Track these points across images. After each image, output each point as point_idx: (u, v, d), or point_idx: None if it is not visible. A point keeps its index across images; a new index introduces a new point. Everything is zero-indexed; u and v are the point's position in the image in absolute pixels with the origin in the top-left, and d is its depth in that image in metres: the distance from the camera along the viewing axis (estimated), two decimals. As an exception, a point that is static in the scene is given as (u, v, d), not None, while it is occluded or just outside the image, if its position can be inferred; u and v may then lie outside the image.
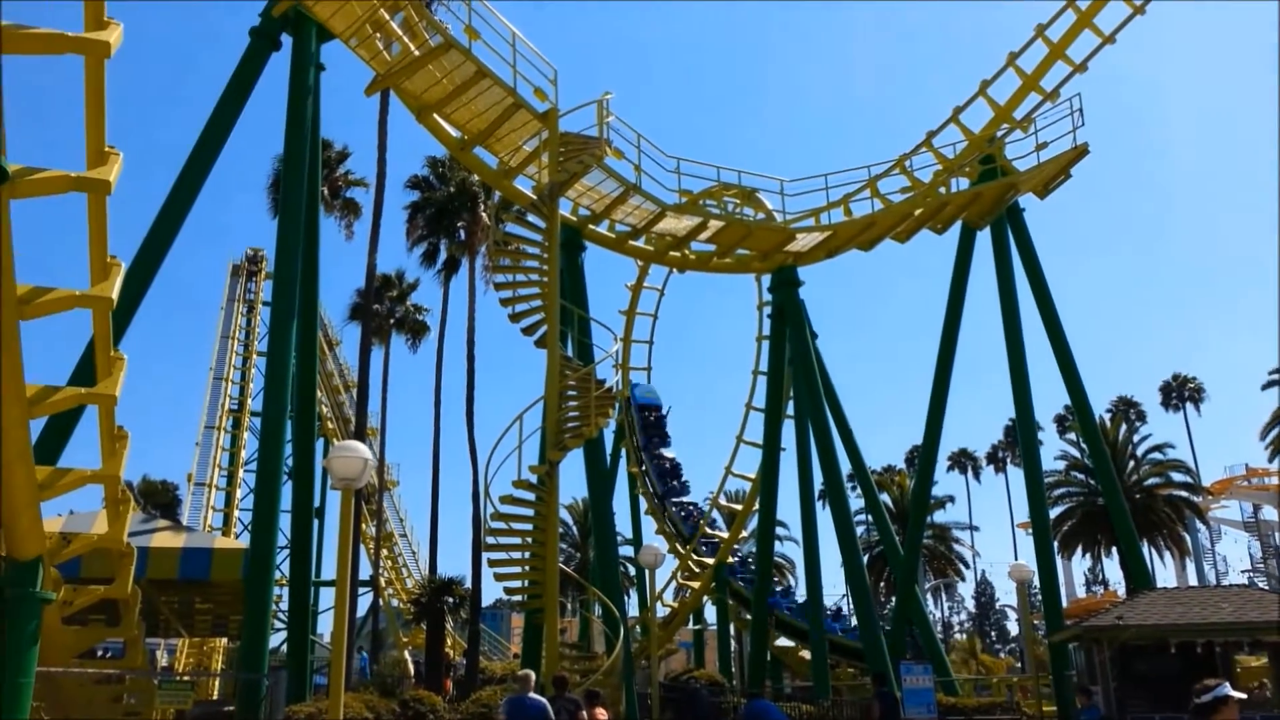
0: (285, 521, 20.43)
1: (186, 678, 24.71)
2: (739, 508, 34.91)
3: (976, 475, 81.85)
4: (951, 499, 65.61)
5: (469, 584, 27.34)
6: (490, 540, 17.80)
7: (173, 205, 16.27)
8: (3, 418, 7.99)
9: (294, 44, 17.85)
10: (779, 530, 47.49)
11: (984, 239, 25.43)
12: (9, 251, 7.11)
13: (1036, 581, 23.77)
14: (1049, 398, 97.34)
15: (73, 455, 14.01)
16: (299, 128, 17.62)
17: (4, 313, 7.21)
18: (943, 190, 24.41)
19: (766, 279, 28.03)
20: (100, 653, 21.54)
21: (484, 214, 31.80)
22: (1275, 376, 59.29)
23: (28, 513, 9.17)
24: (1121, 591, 46.11)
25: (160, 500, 47.36)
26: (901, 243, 24.34)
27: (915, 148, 25.75)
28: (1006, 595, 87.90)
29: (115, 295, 8.12)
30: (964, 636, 60.11)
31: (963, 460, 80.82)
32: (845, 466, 25.78)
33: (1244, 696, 4.79)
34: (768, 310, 28.76)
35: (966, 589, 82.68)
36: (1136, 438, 52.13)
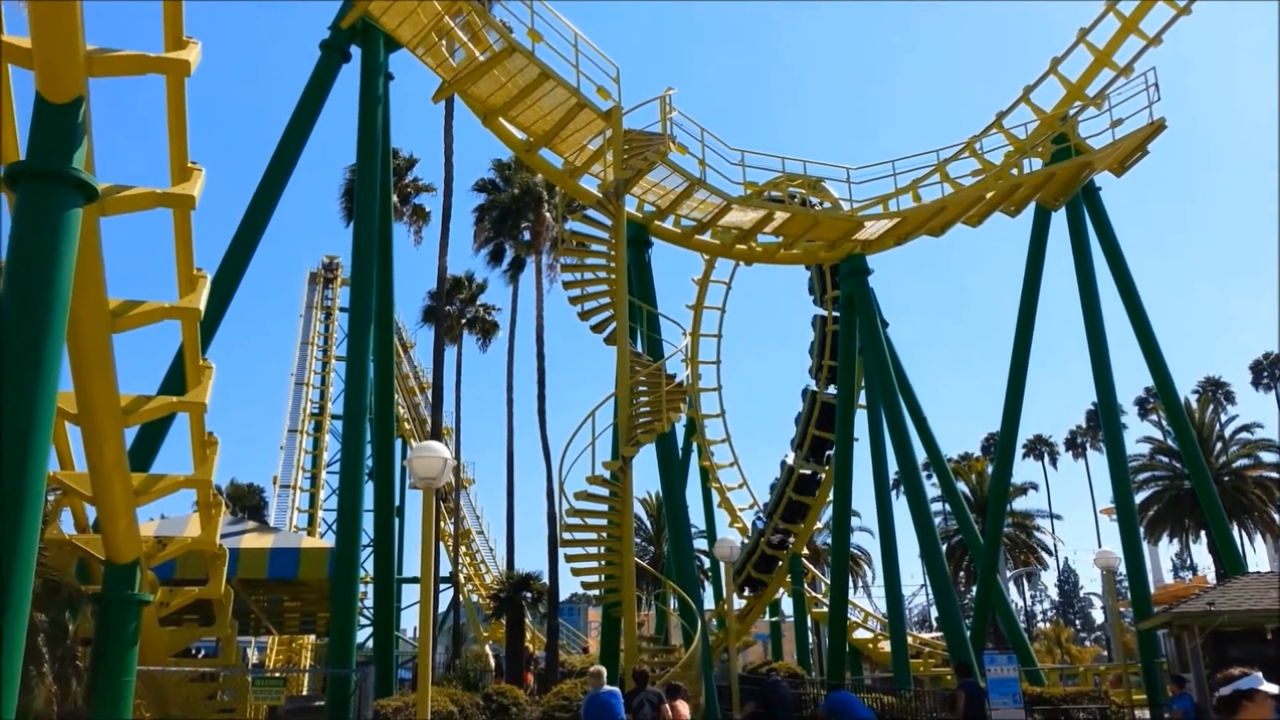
0: (367, 521, 20.91)
1: (278, 674, 25.44)
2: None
3: (1054, 462, 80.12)
4: (1034, 485, 64.33)
5: (546, 579, 27.67)
6: (566, 536, 17.99)
7: (252, 217, 16.77)
8: (100, 428, 8.36)
9: (363, 55, 18.27)
10: (852, 521, 47.01)
11: (1059, 219, 24.86)
12: (101, 267, 7.43)
13: (1123, 568, 23.19)
14: (1129, 380, 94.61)
15: (162, 461, 14.50)
16: (370, 137, 18.03)
17: (99, 327, 7.54)
18: (1015, 172, 23.86)
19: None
20: (194, 651, 22.34)
21: (548, 213, 32.08)
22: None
23: (125, 518, 9.57)
24: (1211, 577, 44.68)
25: (248, 502, 48.78)
26: (973, 227, 23.88)
27: (985, 129, 25.23)
28: (1091, 583, 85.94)
29: (202, 306, 8.41)
30: (1048, 625, 58.78)
31: (1040, 447, 79.09)
32: (920, 455, 25.41)
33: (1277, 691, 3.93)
34: (836, 300, 28.49)
35: (1049, 577, 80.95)
36: (1224, 418, 50.43)
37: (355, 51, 18.35)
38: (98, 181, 6.68)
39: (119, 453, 8.77)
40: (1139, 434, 51.66)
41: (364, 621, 27.29)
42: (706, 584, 39.20)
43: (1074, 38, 24.44)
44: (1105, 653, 47.99)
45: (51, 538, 10.50)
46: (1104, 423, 25.17)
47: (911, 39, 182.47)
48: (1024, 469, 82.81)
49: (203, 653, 23.85)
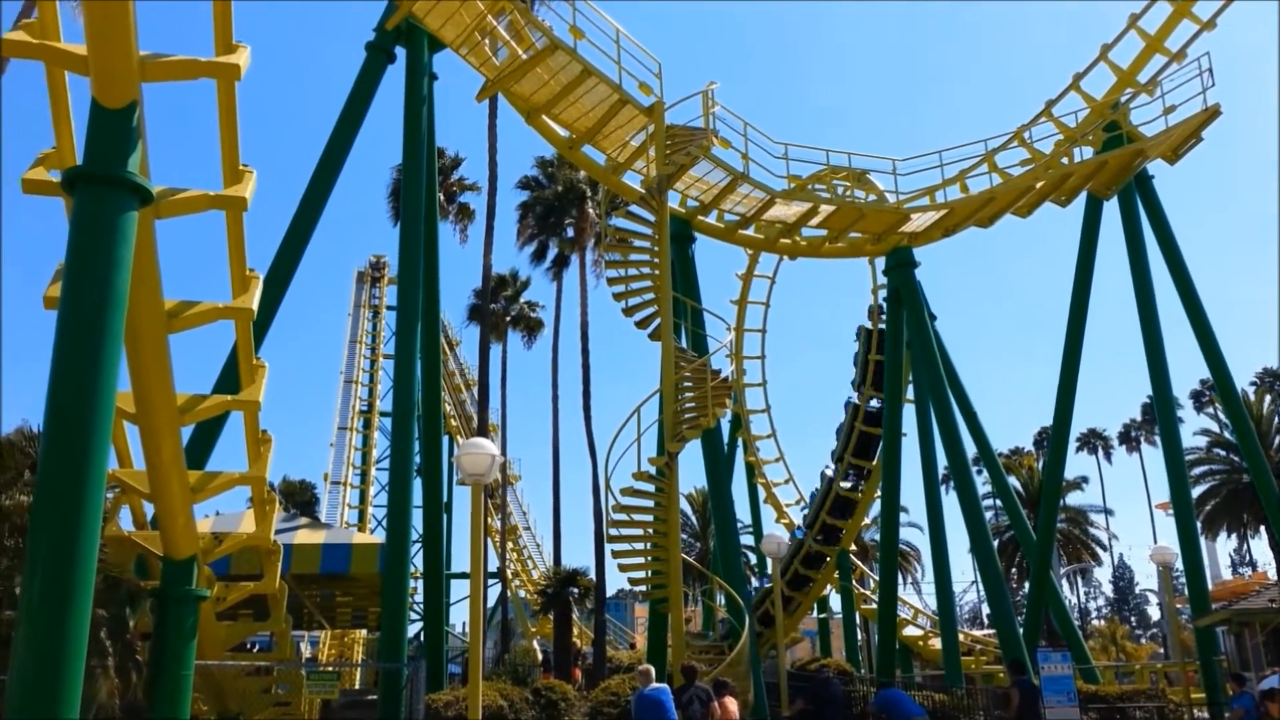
0: (416, 517, 21.12)
1: (331, 668, 25.81)
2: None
3: (1108, 455, 78.59)
4: (1085, 480, 63.24)
5: (592, 575, 27.77)
6: (613, 532, 18.03)
7: (302, 217, 17.03)
8: (157, 427, 8.53)
9: (407, 55, 18.45)
10: (900, 516, 46.55)
11: (1111, 209, 24.38)
12: (156, 269, 7.58)
13: (1179, 564, 22.71)
14: (1185, 372, 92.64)
15: (216, 458, 14.77)
16: (415, 137, 18.21)
17: (155, 328, 7.69)
18: (1065, 161, 23.42)
19: (880, 261, 27.50)
20: (249, 646, 22.73)
21: (591, 210, 32.15)
22: None
23: (182, 515, 9.76)
24: (1271, 573, 43.66)
25: (300, 499, 49.51)
26: (1023, 217, 23.49)
27: (1034, 118, 24.79)
28: (1146, 579, 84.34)
29: (255, 306, 8.54)
30: (1102, 622, 57.76)
31: (1093, 440, 77.64)
32: (970, 450, 25.10)
33: None
34: (883, 293, 28.23)
35: (1103, 573, 79.52)
36: (1285, 409, 49.12)
37: (400, 52, 18.54)
38: (152, 185, 6.81)
39: (176, 451, 8.95)
40: (1195, 426, 50.63)
41: (414, 616, 27.61)
42: (753, 580, 39.08)
43: (1124, 24, 23.92)
44: (1162, 650, 47.12)
45: (111, 534, 10.72)
46: (1159, 415, 24.69)
47: (958, 28, 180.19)
48: (1077, 463, 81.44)
49: (257, 647, 24.29)
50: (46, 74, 7.21)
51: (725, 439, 28.71)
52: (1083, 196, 24.36)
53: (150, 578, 11.58)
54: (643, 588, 19.18)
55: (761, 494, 35.90)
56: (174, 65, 6.90)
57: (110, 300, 6.25)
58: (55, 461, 6.11)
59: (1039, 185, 22.77)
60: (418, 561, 26.20)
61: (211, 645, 12.72)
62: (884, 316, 27.44)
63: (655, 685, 12.11)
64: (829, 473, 31.94)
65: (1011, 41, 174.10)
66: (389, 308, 46.35)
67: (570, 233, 33.19)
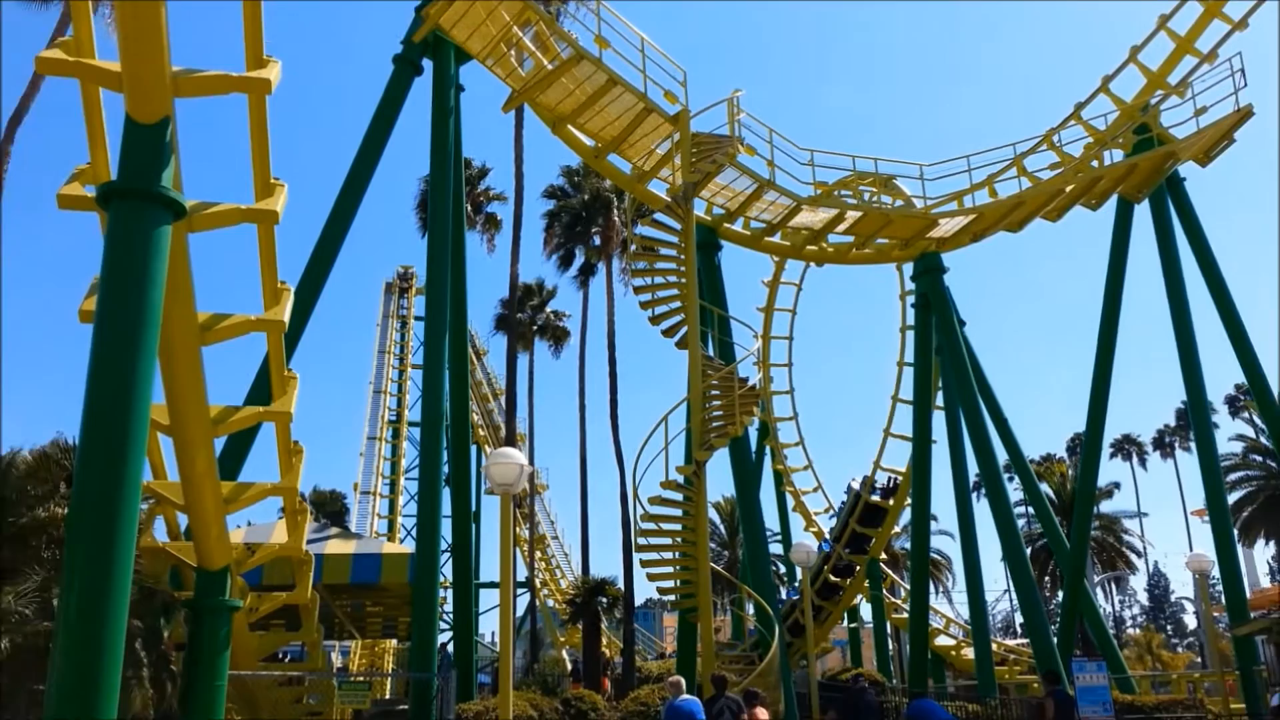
0: (445, 526, 21.17)
1: (362, 678, 25.92)
2: (890, 503, 34.17)
3: (1143, 462, 77.55)
4: (1117, 486, 62.44)
5: (621, 584, 27.73)
6: (641, 541, 17.97)
7: (331, 229, 17.14)
8: (191, 439, 8.61)
9: (434, 68, 18.57)
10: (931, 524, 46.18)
11: (1143, 212, 24.09)
12: (190, 282, 7.66)
13: (1216, 572, 22.36)
14: (1220, 376, 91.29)
15: (248, 469, 14.87)
16: (442, 148, 18.32)
17: (189, 340, 7.76)
18: (1095, 164, 23.18)
19: (908, 267, 27.34)
20: (280, 656, 22.86)
21: (618, 218, 32.22)
22: None
23: (216, 526, 9.83)
24: (1313, 581, 42.84)
25: (330, 509, 49.84)
26: (1053, 221, 23.26)
27: (1063, 121, 24.56)
28: (1183, 587, 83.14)
29: (287, 318, 8.59)
30: (1138, 631, 56.95)
31: (1127, 446, 76.67)
32: (1001, 457, 24.83)
33: None
34: (911, 299, 28.04)
35: (1138, 582, 78.46)
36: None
37: (427, 65, 18.66)
38: (185, 199, 6.88)
39: (209, 462, 9.02)
40: (1230, 432, 49.83)
41: (443, 626, 27.64)
42: (783, 589, 38.88)
43: (1154, 25, 23.66)
44: (1199, 659, 46.32)
45: (145, 545, 10.82)
46: (1194, 421, 24.33)
47: (985, 32, 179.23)
48: (1111, 469, 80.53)
49: (288, 657, 24.43)
50: (82, 91, 7.32)
51: (753, 447, 28.60)
52: (1113, 199, 24.10)
53: (184, 588, 11.68)
54: (671, 597, 19.09)
55: (790, 502, 35.73)
56: (206, 80, 6.97)
57: (145, 314, 6.31)
58: (92, 473, 6.17)
59: (1069, 189, 22.54)
60: (446, 571, 26.28)
61: (245, 655, 12.80)
62: (912, 326, 27.25)
63: (685, 697, 12.05)
64: (855, 485, 31.82)
65: (1039, 45, 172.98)
66: (417, 318, 46.65)
67: (597, 241, 33.30)
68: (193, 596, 10.63)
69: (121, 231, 6.44)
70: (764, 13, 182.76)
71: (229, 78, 7.15)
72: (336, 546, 18.14)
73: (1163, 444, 76.44)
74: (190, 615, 10.60)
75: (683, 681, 12.67)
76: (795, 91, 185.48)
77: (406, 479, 43.46)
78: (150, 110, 6.44)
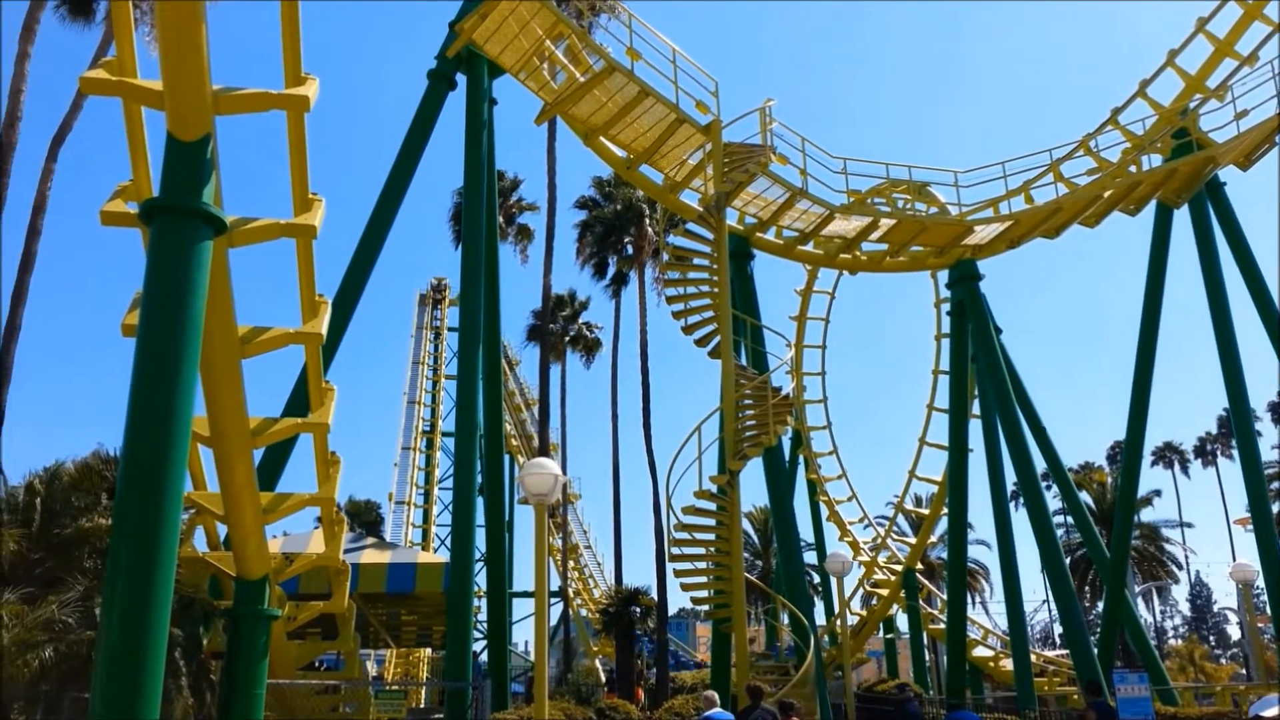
0: (479, 536, 21.27)
1: (398, 687, 26.08)
2: (926, 512, 33.89)
3: (1185, 469, 76.24)
4: (1158, 493, 61.50)
5: (654, 594, 27.65)
6: (675, 551, 17.94)
7: (367, 242, 17.33)
8: (231, 450, 8.72)
9: (468, 82, 18.74)
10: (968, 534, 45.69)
11: (1182, 217, 23.76)
12: (230, 296, 7.77)
13: (1260, 581, 21.93)
14: (1263, 383, 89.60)
15: (284, 479, 15.03)
16: (476, 161, 18.48)
17: (229, 354, 7.87)
18: (1133, 169, 22.91)
19: (943, 275, 27.15)
20: (317, 664, 23.04)
21: (650, 228, 32.27)
22: None
23: (255, 536, 9.94)
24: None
25: (365, 519, 50.19)
26: (1091, 227, 23.01)
27: (1100, 126, 24.30)
28: (1226, 598, 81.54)
29: (324, 331, 8.69)
30: (1180, 642, 55.93)
31: (1168, 454, 75.42)
32: (1039, 465, 24.55)
33: None
34: (946, 307, 27.82)
35: (1180, 591, 77.05)
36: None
37: (461, 79, 18.83)
38: (225, 214, 6.98)
39: (249, 473, 9.13)
40: (1274, 439, 48.87)
41: (477, 635, 27.74)
42: (816, 599, 38.60)
43: (1192, 28, 23.38)
44: (1244, 671, 45.43)
45: (185, 555, 10.97)
46: (1236, 428, 23.89)
47: (1019, 39, 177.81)
48: (1152, 478, 79.11)
49: (324, 666, 24.63)
50: (124, 109, 7.44)
51: (786, 456, 28.48)
52: (1152, 205, 23.80)
53: (223, 598, 11.81)
54: (705, 607, 19.04)
55: (824, 512, 35.50)
56: (245, 98, 7.08)
57: (187, 328, 6.41)
58: (135, 484, 6.26)
59: (1107, 194, 22.29)
60: (480, 580, 26.38)
61: (282, 664, 12.92)
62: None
63: (717, 710, 12.01)
64: None
65: (1072, 50, 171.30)
66: (450, 329, 46.97)
67: (629, 251, 33.36)
68: (232, 605, 10.74)
69: (163, 247, 6.54)
70: (798, 12, 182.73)
71: (268, 95, 7.25)
72: (372, 556, 18.28)
73: (1204, 452, 75.17)
74: (229, 624, 10.72)
75: (716, 696, 12.65)
76: (827, 100, 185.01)
77: (440, 489, 43.71)
78: (191, 128, 6.55)
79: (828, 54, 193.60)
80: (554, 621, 39.80)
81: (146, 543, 6.15)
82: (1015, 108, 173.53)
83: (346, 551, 14.45)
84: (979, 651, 31.34)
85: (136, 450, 6.28)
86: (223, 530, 11.79)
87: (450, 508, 34.86)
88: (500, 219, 29.26)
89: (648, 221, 32.59)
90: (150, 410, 6.32)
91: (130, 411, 6.31)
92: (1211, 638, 77.33)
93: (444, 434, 44.79)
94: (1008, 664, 27.95)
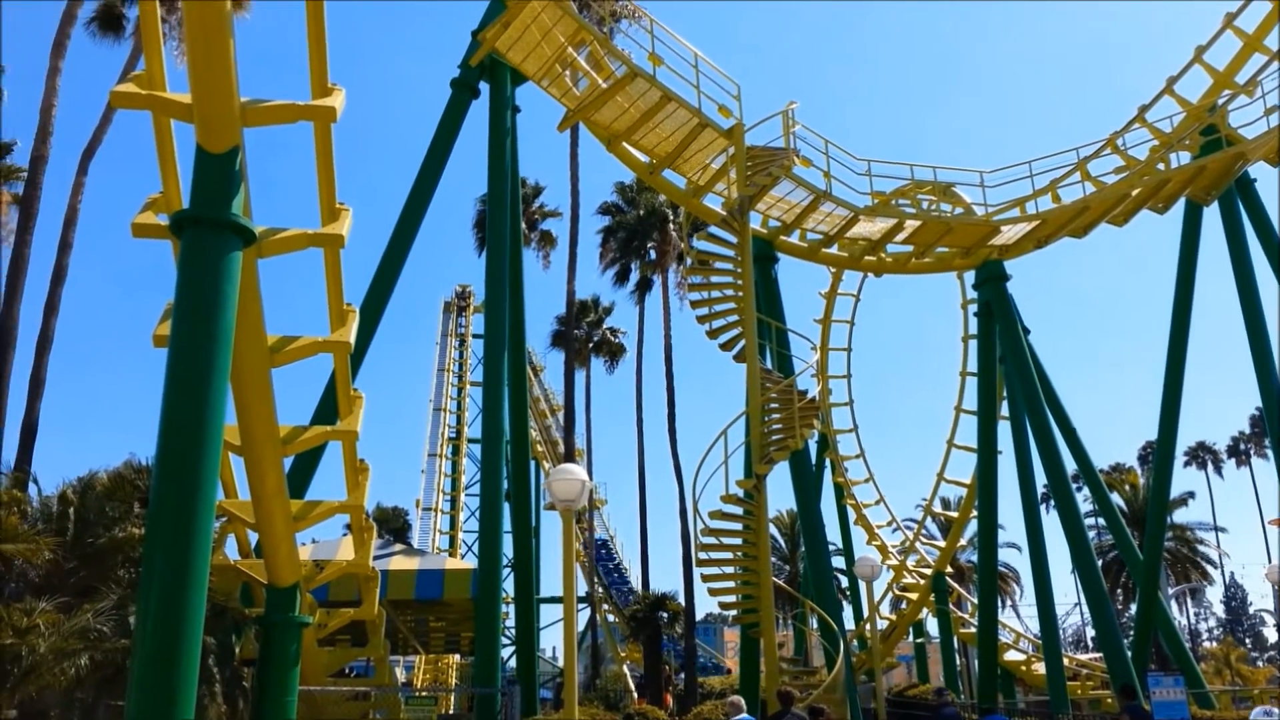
0: (506, 542, 21.30)
1: (427, 693, 26.18)
2: (955, 515, 33.63)
3: (1218, 470, 75.23)
4: (1192, 495, 60.65)
5: (681, 599, 27.62)
6: (702, 556, 17.91)
7: (393, 251, 17.42)
8: (261, 458, 8.79)
9: (491, 90, 18.82)
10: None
11: (1212, 214, 23.48)
12: (259, 305, 7.83)
13: (1298, 584, 21.59)
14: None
15: (312, 487, 15.10)
16: (499, 169, 18.54)
17: (259, 363, 7.93)
18: (1161, 166, 22.65)
19: (969, 276, 26.95)
20: (347, 671, 23.15)
21: (674, 232, 32.27)
22: None
23: (285, 543, 10.01)
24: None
25: (392, 525, 50.43)
26: (1119, 226, 22.75)
27: (1127, 124, 24.07)
28: (1262, 599, 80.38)
29: (352, 340, 8.74)
30: (1215, 645, 55.15)
31: (1201, 454, 74.45)
32: (1069, 467, 24.27)
33: None
34: (973, 308, 27.62)
35: (1214, 594, 75.98)
36: None
37: (484, 88, 18.91)
38: (254, 224, 7.04)
39: (279, 481, 9.20)
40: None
41: (505, 641, 27.78)
42: (845, 603, 38.39)
43: (1219, 24, 23.12)
44: (1281, 674, 44.71)
45: (217, 563, 11.05)
46: (1269, 427, 23.53)
47: (1042, 37, 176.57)
48: (1184, 478, 78.15)
49: (354, 672, 24.74)
50: (154, 122, 7.53)
51: (813, 460, 28.33)
52: (1181, 202, 23.53)
53: (255, 605, 11.89)
54: (732, 612, 18.97)
55: (851, 515, 35.31)
56: (273, 110, 7.15)
57: (217, 337, 6.47)
58: (168, 493, 6.33)
59: (1135, 192, 22.04)
60: (507, 586, 26.44)
61: (313, 671, 12.99)
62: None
63: (744, 716, 11.96)
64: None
65: (1096, 49, 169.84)
66: (475, 336, 47.12)
67: (652, 255, 33.39)
68: (263, 613, 10.82)
69: (194, 258, 6.62)
70: (818, 11, 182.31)
71: (295, 106, 7.32)
72: (400, 563, 18.35)
73: (1238, 451, 74.16)
74: (261, 631, 10.79)
75: (742, 701, 12.60)
76: (849, 101, 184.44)
77: (467, 495, 43.84)
78: (220, 140, 6.62)
79: (840, 53, 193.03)
80: (581, 627, 39.84)
81: (180, 551, 6.21)
82: (1037, 107, 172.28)
83: (375, 558, 14.52)
84: (1010, 655, 31.03)
85: (169, 459, 6.35)
86: (254, 538, 11.89)
87: (476, 514, 34.97)
88: (523, 225, 29.37)
89: (671, 226, 32.61)
90: (182, 419, 6.39)
91: (163, 421, 6.38)
92: (1248, 640, 76.22)
93: (470, 440, 44.90)
94: (1040, 668, 27.66)
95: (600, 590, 41.75)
